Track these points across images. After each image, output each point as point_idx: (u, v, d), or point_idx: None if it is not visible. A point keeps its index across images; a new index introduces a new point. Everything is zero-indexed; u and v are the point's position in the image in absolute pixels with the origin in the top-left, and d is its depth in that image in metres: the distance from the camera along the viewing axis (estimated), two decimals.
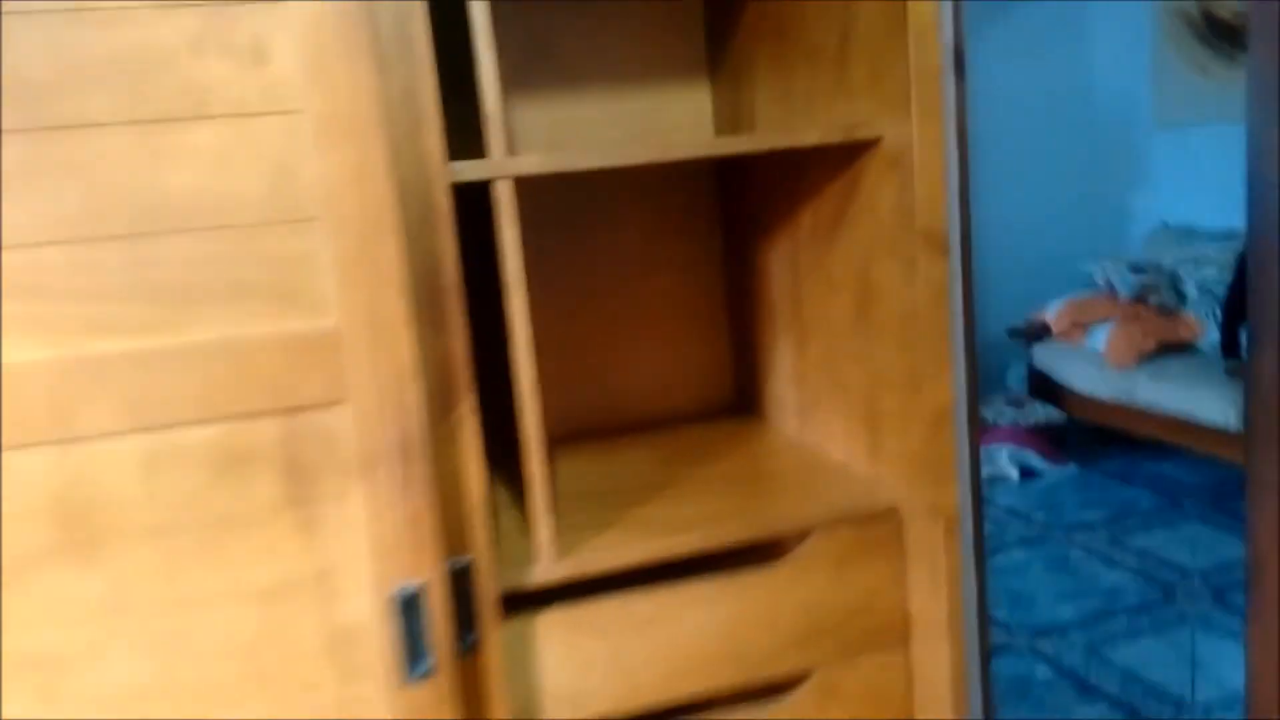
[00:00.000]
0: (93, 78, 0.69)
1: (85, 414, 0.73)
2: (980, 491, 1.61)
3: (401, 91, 0.76)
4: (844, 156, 0.98)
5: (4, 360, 0.70)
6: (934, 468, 0.92)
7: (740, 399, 1.39)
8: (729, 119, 1.28)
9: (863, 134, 0.90)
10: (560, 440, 1.33)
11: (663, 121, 1.33)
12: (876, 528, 0.97)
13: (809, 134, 0.89)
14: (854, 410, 1.05)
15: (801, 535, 0.96)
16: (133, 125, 0.70)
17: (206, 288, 0.73)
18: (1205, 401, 3.20)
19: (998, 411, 3.82)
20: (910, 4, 0.83)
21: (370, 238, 0.75)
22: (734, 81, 1.25)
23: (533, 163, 0.83)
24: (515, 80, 1.27)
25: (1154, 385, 3.40)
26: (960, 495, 1.01)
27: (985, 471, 3.67)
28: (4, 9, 0.67)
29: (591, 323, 1.35)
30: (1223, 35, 3.89)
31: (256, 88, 0.72)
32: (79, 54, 0.69)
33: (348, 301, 0.75)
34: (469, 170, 0.80)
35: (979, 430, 3.81)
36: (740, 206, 1.30)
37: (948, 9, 1.38)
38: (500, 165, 0.81)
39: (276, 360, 0.75)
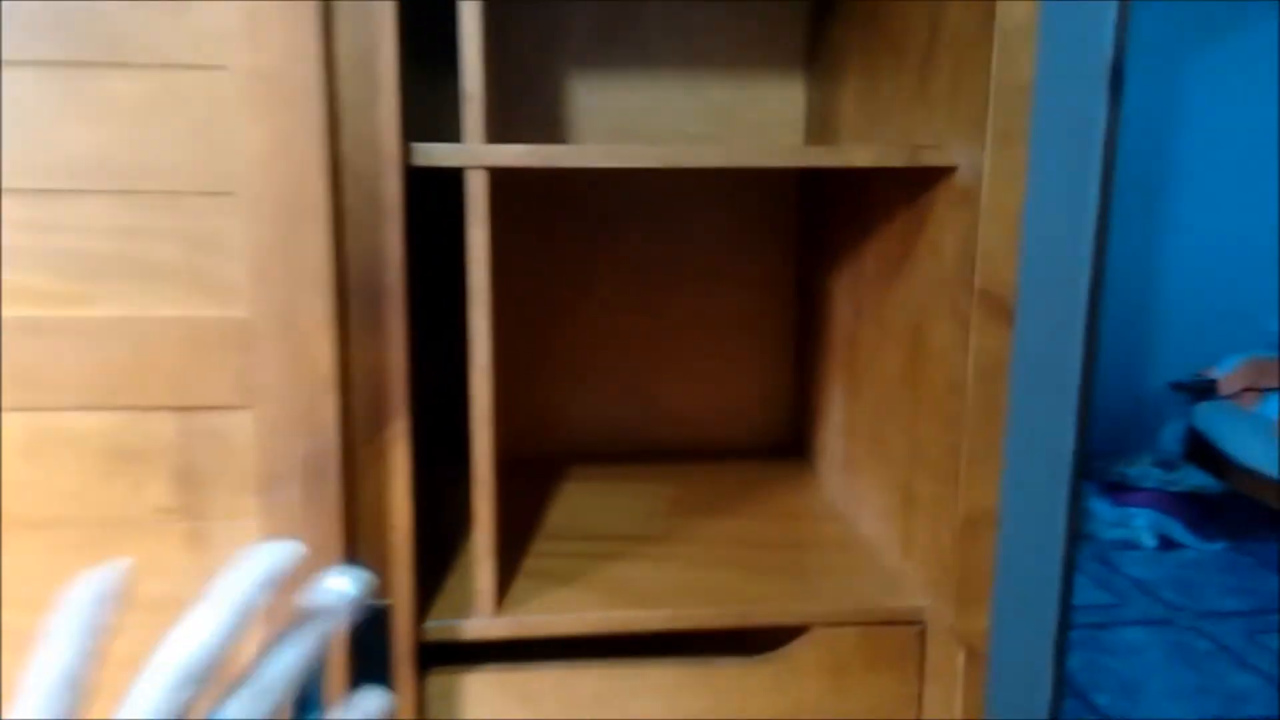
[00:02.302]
0: (9, 12, 0.61)
1: None
2: (1073, 569, 1.39)
3: (354, 55, 0.64)
4: (915, 183, 0.80)
5: None
6: (962, 582, 0.74)
7: (796, 440, 1.23)
8: (818, 121, 1.12)
9: (930, 159, 0.73)
10: (590, 459, 1.20)
11: (750, 117, 1.18)
12: (890, 635, 0.80)
13: (859, 153, 0.72)
14: (893, 485, 0.88)
15: (797, 629, 0.80)
16: (45, 66, 0.61)
17: (111, 260, 0.64)
18: None
19: (1143, 472, 3.44)
20: (1000, 1, 0.65)
21: (292, 221, 0.64)
22: (826, 78, 1.08)
23: (513, 154, 0.70)
24: (584, 59, 1.14)
25: None
26: (1047, 574, 0.79)
27: (1117, 534, 3.32)
28: None
29: (647, 332, 1.22)
30: None
31: (181, 36, 0.62)
32: None
33: (260, 293, 0.64)
34: (432, 155, 0.68)
35: (1118, 491, 3.43)
36: (816, 224, 1.13)
37: (1108, 10, 1.16)
38: (473, 153, 0.69)
39: (180, 351, 0.65)
